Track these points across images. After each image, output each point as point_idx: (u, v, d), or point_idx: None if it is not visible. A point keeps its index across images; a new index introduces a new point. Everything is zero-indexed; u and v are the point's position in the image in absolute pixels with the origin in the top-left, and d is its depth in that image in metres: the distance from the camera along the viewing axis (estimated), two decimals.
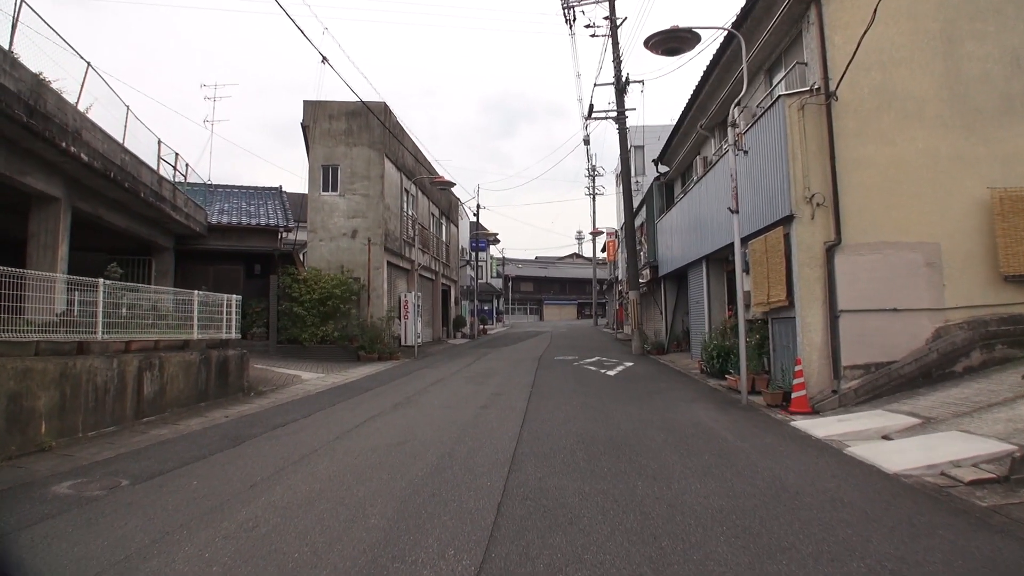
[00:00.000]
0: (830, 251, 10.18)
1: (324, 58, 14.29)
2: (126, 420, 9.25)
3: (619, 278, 39.66)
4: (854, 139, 10.42)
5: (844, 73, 9.92)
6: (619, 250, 39.33)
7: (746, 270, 12.84)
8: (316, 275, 20.60)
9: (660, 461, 6.52)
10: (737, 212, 10.42)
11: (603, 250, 50.47)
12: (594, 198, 48.05)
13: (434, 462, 6.57)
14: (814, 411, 9.40)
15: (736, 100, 10.80)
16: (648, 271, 23.53)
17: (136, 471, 6.62)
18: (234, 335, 12.76)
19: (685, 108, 17.97)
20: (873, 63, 10.44)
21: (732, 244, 13.83)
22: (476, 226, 39.62)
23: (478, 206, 39.07)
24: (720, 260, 16.21)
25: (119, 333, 9.61)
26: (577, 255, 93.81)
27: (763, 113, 11.36)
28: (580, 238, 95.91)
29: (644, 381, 13.85)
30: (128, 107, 14.90)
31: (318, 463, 6.72)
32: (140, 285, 11.00)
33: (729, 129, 10.56)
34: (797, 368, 9.58)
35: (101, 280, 9.33)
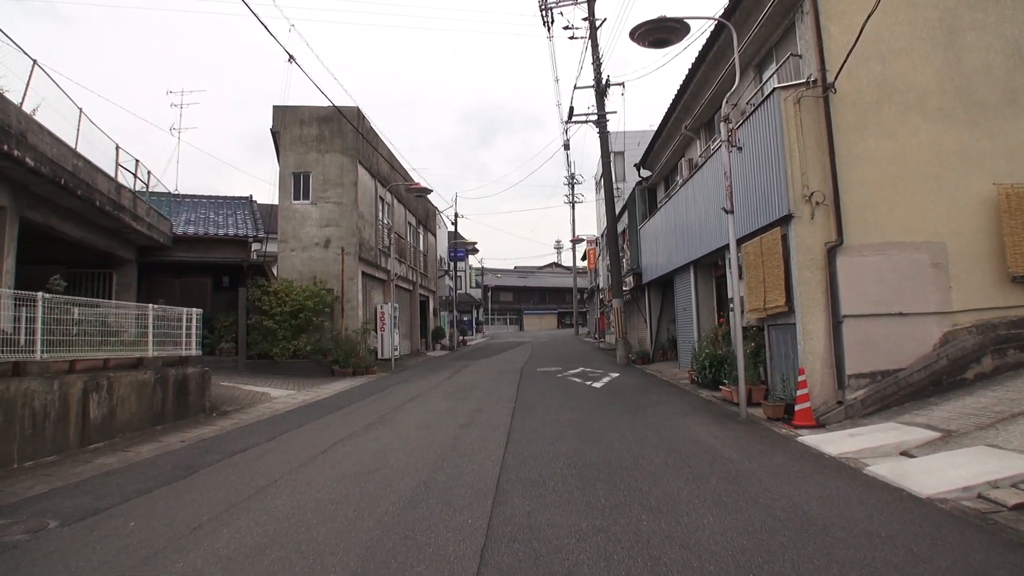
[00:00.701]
0: (831, 252, 9.55)
1: (291, 57, 13.51)
2: (69, 448, 8.38)
3: (600, 286, 39.05)
4: (854, 133, 9.83)
5: (844, 63, 9.33)
6: (600, 258, 38.75)
7: (737, 275, 12.22)
8: (287, 287, 19.70)
9: (663, 488, 5.79)
10: (732, 212, 9.76)
11: (583, 258, 49.90)
12: (573, 206, 47.53)
13: (408, 494, 5.79)
14: (819, 424, 8.73)
15: (728, 93, 10.16)
16: (631, 278, 22.90)
17: (69, 509, 5.79)
18: (194, 351, 11.86)
19: (669, 109, 17.40)
20: (872, 53, 9.87)
21: (722, 248, 13.26)
22: (454, 235, 38.81)
23: (456, 214, 38.30)
24: (709, 265, 15.59)
25: (62, 352, 8.71)
26: (556, 264, 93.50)
27: (756, 108, 10.74)
28: (559, 247, 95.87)
29: (633, 393, 13.15)
30: (81, 110, 14.00)
31: (276, 498, 5.90)
32: (86, 299, 10.08)
33: (721, 124, 9.92)
34: (800, 378, 8.92)
35: (40, 294, 8.44)
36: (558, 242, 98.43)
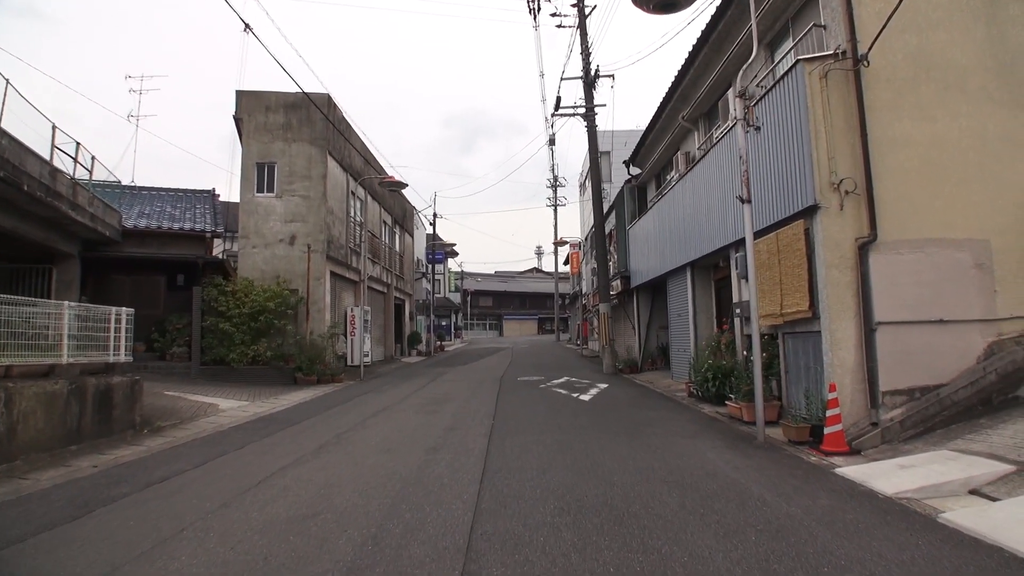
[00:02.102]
0: (863, 249, 8.23)
1: (247, 25, 11.97)
2: None
3: (583, 291, 37.72)
4: (888, 114, 8.54)
5: (881, 30, 8.03)
6: (583, 262, 37.42)
7: (745, 276, 10.88)
8: (247, 286, 18.08)
9: (687, 547, 4.37)
10: (749, 201, 8.39)
11: (566, 262, 48.57)
12: (556, 208, 46.17)
13: (349, 557, 4.31)
14: (853, 450, 7.39)
15: (744, 66, 8.80)
16: (619, 282, 21.55)
17: None
18: (124, 357, 10.26)
19: (664, 99, 16.08)
20: (907, 24, 8.59)
21: (726, 248, 11.94)
22: (433, 236, 37.21)
23: (435, 215, 36.66)
24: (707, 267, 14.26)
25: None
26: (537, 269, 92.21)
27: (776, 84, 9.41)
28: (540, 252, 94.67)
29: (626, 408, 11.74)
30: (8, 81, 12.38)
31: (174, 556, 4.41)
32: None
33: (736, 101, 8.56)
34: (831, 396, 7.55)
35: None
36: (539, 247, 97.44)
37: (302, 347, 18.19)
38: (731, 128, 11.16)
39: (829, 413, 7.51)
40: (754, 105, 8.71)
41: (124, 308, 10.27)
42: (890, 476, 6.17)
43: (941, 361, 8.19)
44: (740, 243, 11.08)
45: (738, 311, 11.04)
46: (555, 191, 44.79)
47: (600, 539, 4.55)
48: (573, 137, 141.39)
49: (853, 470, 6.52)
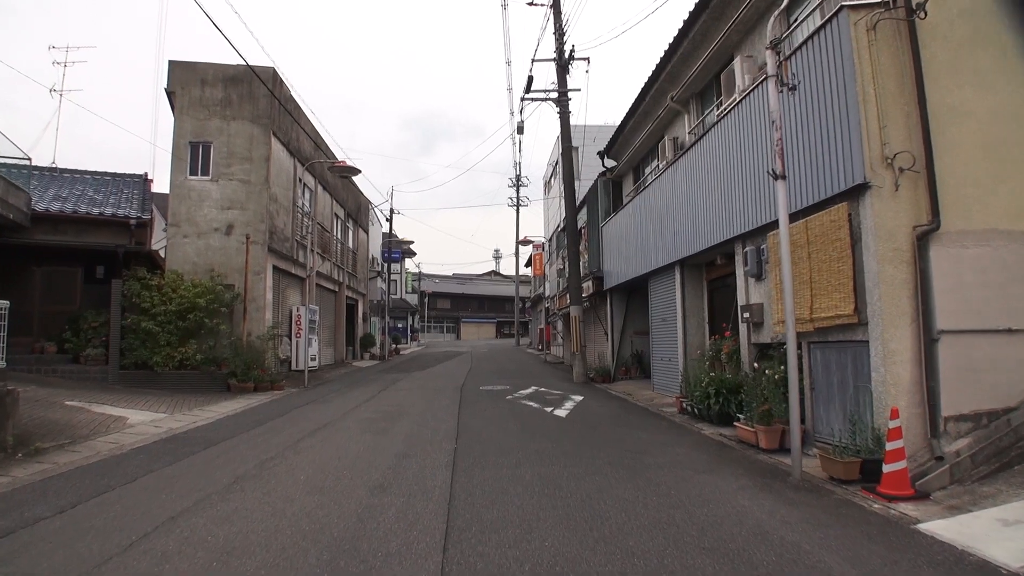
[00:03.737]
0: (923, 240, 6.66)
1: None
2: None
3: (545, 294, 36.07)
4: (947, 77, 7.03)
5: None
6: (547, 263, 35.77)
7: (756, 274, 9.26)
8: (175, 280, 15.91)
9: None
10: (784, 177, 6.74)
11: (528, 264, 46.90)
12: (518, 206, 44.46)
13: None
14: (920, 493, 5.77)
15: (776, 13, 7.16)
16: (591, 283, 19.89)
17: None
18: None
19: (649, 79, 14.48)
20: None
21: (727, 242, 10.35)
22: (390, 233, 35.06)
23: (391, 210, 34.51)
24: (699, 266, 12.66)
25: None
26: (495, 273, 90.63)
27: (810, 37, 7.79)
28: (498, 256, 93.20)
29: (612, 427, 10.01)
30: None
31: None
32: None
33: (767, 53, 6.91)
34: (892, 424, 5.92)
35: None
36: (497, 250, 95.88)
37: (237, 350, 16.07)
38: (745, 96, 9.56)
39: (889, 446, 5.89)
40: (787, 59, 7.07)
41: None
42: (998, 538, 4.57)
43: (1008, 379, 6.70)
44: (749, 235, 9.50)
45: (746, 315, 9.42)
46: (518, 186, 43.08)
47: None
48: (537, 136, 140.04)
49: (942, 527, 4.89)
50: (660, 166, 14.39)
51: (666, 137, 14.27)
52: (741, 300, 9.78)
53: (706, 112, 12.83)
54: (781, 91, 6.93)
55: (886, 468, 5.86)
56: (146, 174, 20.76)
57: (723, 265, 11.41)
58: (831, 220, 7.25)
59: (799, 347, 8.04)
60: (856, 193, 6.93)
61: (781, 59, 6.95)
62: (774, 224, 8.56)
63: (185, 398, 13.87)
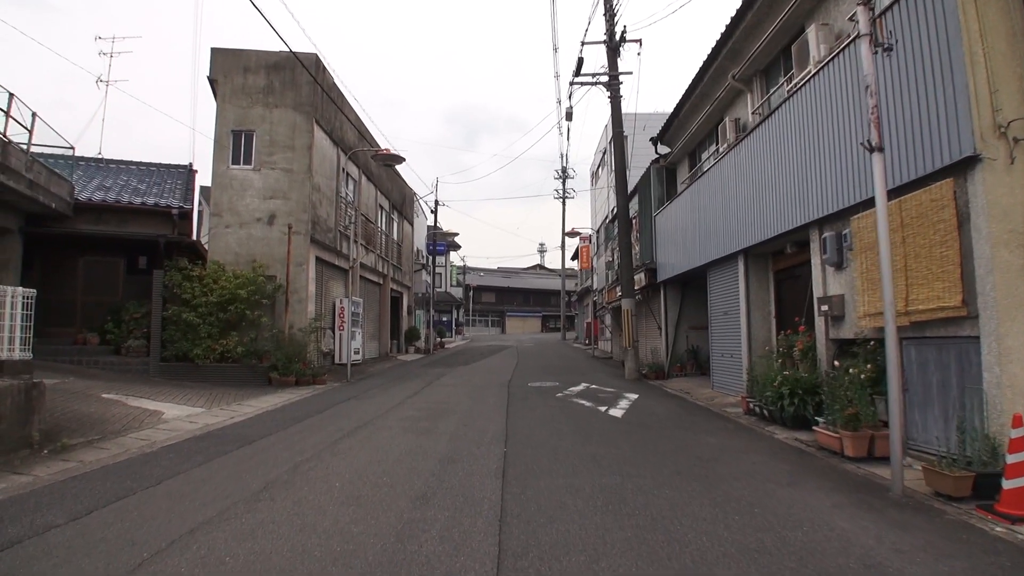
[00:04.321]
0: None
1: None
2: None
3: (593, 287, 35.22)
4: None
5: None
6: (594, 256, 34.89)
7: (836, 263, 8.39)
8: (216, 271, 15.61)
9: None
10: (881, 149, 5.88)
11: (574, 257, 46.04)
12: (564, 197, 43.60)
13: None
14: None
15: None
16: (643, 275, 19.01)
17: None
18: (17, 354, 7.80)
19: (707, 59, 13.57)
20: None
21: (802, 228, 9.46)
22: (435, 226, 34.59)
23: (436, 202, 34.00)
24: (764, 256, 11.76)
25: None
26: (541, 267, 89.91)
27: None
28: (543, 250, 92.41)
29: (674, 429, 9.23)
30: None
31: None
32: None
33: (859, 11, 6.03)
34: (1016, 434, 5.05)
35: None
36: (542, 244, 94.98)
37: (279, 343, 15.70)
38: (822, 67, 8.64)
39: (1011, 459, 5.02)
40: (880, 16, 6.20)
41: (17, 288, 7.79)
42: None
43: None
44: (828, 220, 8.61)
45: (824, 308, 8.54)
46: (564, 179, 42.22)
47: None
48: (583, 130, 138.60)
49: None
50: (720, 150, 13.50)
51: (727, 119, 13.35)
52: (818, 292, 8.89)
53: (772, 91, 11.89)
54: (875, 52, 6.06)
55: (1006, 484, 5.01)
56: (191, 164, 20.55)
57: (793, 254, 10.50)
58: (932, 199, 6.36)
59: (883, 344, 7.17)
60: (963, 167, 6.03)
61: (875, 16, 6.09)
62: (858, 206, 7.71)
63: (225, 392, 13.52)
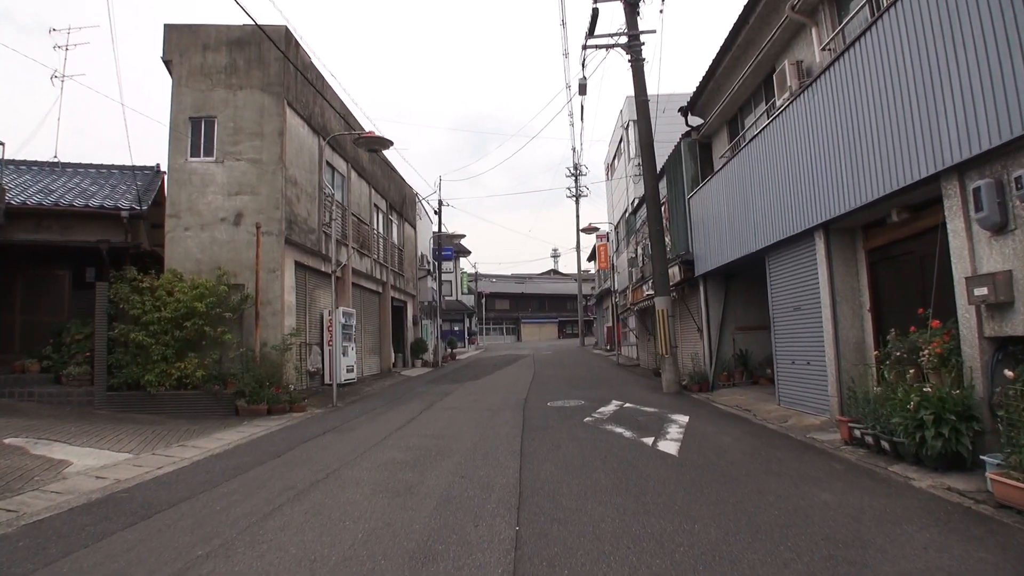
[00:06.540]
0: None
1: None
2: None
3: (614, 288, 32.47)
4: None
5: None
6: (614, 254, 32.15)
7: (998, 223, 5.68)
8: (170, 281, 13.10)
9: None
10: None
11: (590, 258, 43.31)
12: (577, 188, 40.90)
13: None
14: None
15: None
16: (678, 268, 16.29)
17: None
18: None
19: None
20: None
21: (912, 185, 6.75)
22: (439, 228, 31.87)
23: (440, 202, 31.25)
24: (851, 230, 9.03)
25: None
26: (555, 271, 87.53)
27: None
28: (556, 255, 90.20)
29: (760, 476, 6.46)
30: None
31: None
32: None
33: None
34: None
35: None
36: (555, 249, 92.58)
37: (248, 364, 13.12)
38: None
39: None
40: None
41: None
42: None
43: None
44: (979, 160, 5.88)
45: (979, 292, 5.81)
46: (577, 174, 39.44)
47: None
48: (595, 126, 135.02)
49: None
50: (777, 104, 10.78)
51: (786, 62, 10.62)
52: (963, 269, 6.16)
53: (847, 18, 9.21)
54: None
55: None
56: (158, 165, 18.09)
57: (902, 223, 7.78)
58: None
59: None
60: None
61: None
62: (970, 161, 5.01)
63: (175, 427, 10.99)
